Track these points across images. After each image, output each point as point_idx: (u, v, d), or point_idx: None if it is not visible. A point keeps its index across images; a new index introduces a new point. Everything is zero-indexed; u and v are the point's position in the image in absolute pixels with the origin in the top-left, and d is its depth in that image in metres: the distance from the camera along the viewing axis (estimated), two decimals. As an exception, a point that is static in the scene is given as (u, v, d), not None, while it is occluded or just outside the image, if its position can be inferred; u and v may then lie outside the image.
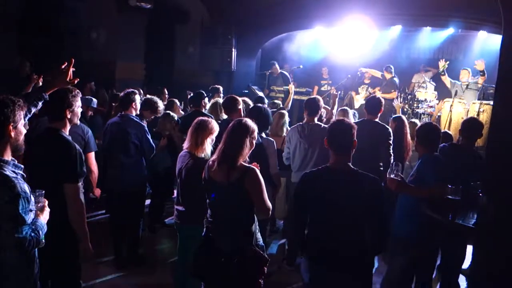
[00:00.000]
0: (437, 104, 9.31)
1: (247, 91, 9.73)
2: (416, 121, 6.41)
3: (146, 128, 4.57)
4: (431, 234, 3.53)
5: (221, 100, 5.49)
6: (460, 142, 4.21)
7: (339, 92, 9.49)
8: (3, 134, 2.17)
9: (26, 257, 2.25)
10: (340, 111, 5.99)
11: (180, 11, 10.54)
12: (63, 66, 2.84)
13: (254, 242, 2.89)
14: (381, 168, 4.61)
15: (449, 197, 3.40)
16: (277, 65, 10.15)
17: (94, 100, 5.91)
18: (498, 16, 3.42)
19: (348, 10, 8.80)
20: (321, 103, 4.90)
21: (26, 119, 2.46)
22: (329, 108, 6.42)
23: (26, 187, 2.20)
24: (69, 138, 3.03)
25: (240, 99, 4.80)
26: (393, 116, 5.85)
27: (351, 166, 2.67)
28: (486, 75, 8.18)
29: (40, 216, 2.32)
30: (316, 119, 4.78)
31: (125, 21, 9.70)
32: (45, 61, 7.80)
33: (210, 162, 2.94)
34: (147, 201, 5.35)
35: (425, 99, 9.32)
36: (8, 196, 2.10)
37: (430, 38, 10.85)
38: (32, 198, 2.27)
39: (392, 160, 4.49)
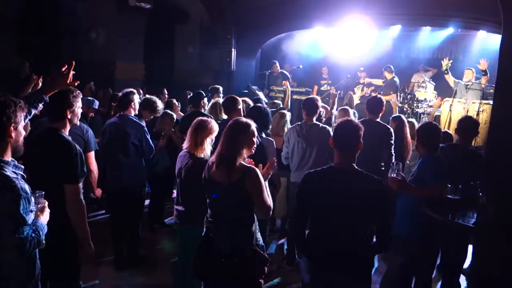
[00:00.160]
0: (435, 101, 9.29)
1: (246, 91, 9.73)
2: (414, 120, 6.42)
3: (146, 128, 4.57)
4: (431, 234, 3.53)
5: (221, 100, 5.49)
6: (457, 142, 4.21)
7: (339, 91, 9.51)
8: (4, 134, 2.18)
9: (26, 258, 2.25)
10: (341, 110, 5.98)
11: (179, 11, 10.54)
12: (63, 69, 2.84)
13: (254, 242, 2.88)
14: (383, 168, 4.61)
15: (449, 196, 3.41)
16: (277, 64, 10.15)
17: (96, 101, 5.90)
18: (497, 16, 3.42)
19: (347, 10, 8.80)
20: (319, 103, 4.90)
21: (26, 120, 2.46)
22: (328, 108, 6.42)
23: (27, 188, 2.20)
24: (69, 138, 3.03)
25: (240, 99, 4.80)
26: (393, 116, 5.85)
27: (356, 166, 2.67)
28: (488, 75, 8.16)
29: (40, 217, 2.32)
30: (314, 118, 4.79)
31: (125, 21, 9.69)
32: (45, 61, 7.83)
33: (210, 162, 2.94)
34: (147, 201, 5.35)
35: (425, 99, 9.32)
36: (9, 197, 2.10)
37: (429, 37, 10.86)
38: (32, 199, 2.27)
39: (393, 160, 4.50)
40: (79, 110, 3.13)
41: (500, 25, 3.23)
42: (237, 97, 4.76)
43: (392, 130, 4.83)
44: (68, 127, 3.07)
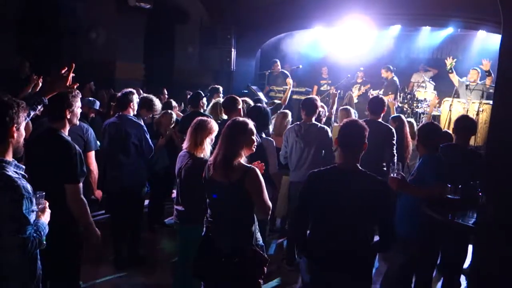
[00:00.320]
0: (432, 100, 9.27)
1: (246, 91, 9.73)
2: (412, 120, 6.42)
3: (145, 128, 4.57)
4: (431, 234, 3.53)
5: (222, 100, 5.49)
6: (455, 141, 4.21)
7: (339, 91, 9.51)
8: (6, 135, 2.19)
9: (28, 258, 2.25)
10: (343, 110, 5.96)
11: (179, 11, 10.54)
12: (63, 71, 2.84)
13: (254, 242, 2.88)
14: (384, 169, 4.61)
15: (449, 196, 3.40)
16: (278, 63, 10.14)
17: (97, 102, 5.90)
18: (497, 16, 3.42)
19: (347, 10, 8.80)
20: (319, 102, 4.90)
21: (25, 121, 2.47)
22: (325, 107, 6.41)
23: (29, 187, 2.20)
24: (69, 138, 3.03)
25: (240, 99, 4.80)
26: (393, 116, 5.85)
27: (359, 167, 2.67)
28: (493, 75, 8.11)
29: (41, 217, 2.32)
30: (313, 118, 4.79)
31: (125, 21, 9.69)
32: (45, 61, 7.83)
33: (210, 163, 2.94)
34: (146, 201, 5.35)
35: (425, 99, 9.32)
36: (12, 197, 2.10)
37: (429, 37, 10.86)
38: (33, 199, 2.28)
39: (395, 160, 4.51)
40: (78, 110, 3.14)
41: (500, 25, 3.23)
42: (237, 97, 4.76)
43: (394, 130, 4.83)
44: (67, 127, 3.07)
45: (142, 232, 4.90)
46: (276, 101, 7.26)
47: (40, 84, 4.92)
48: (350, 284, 2.61)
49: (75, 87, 2.93)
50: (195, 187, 3.15)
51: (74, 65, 2.85)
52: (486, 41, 9.66)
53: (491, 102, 7.33)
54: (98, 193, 4.44)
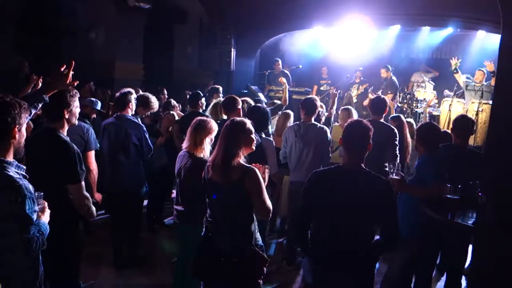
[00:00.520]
0: (430, 99, 9.27)
1: (246, 91, 9.73)
2: (411, 120, 6.42)
3: (145, 128, 4.57)
4: (431, 234, 3.53)
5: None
6: (454, 141, 4.21)
7: (339, 91, 9.50)
8: (8, 135, 2.18)
9: (31, 258, 2.25)
10: (344, 110, 5.96)
11: (179, 11, 10.54)
12: (62, 69, 2.84)
13: (254, 242, 2.88)
14: (386, 169, 4.61)
15: (448, 196, 3.40)
16: (280, 62, 10.14)
17: (99, 102, 5.88)
18: (497, 16, 3.41)
19: (347, 10, 8.81)
20: (318, 102, 4.90)
21: (26, 120, 2.47)
22: (324, 106, 6.40)
23: (31, 187, 2.21)
24: (67, 138, 3.03)
25: (240, 99, 4.80)
26: (392, 116, 5.85)
27: (364, 167, 2.67)
28: None
29: (41, 217, 2.32)
30: (313, 118, 4.79)
31: (124, 21, 9.70)
32: (44, 61, 7.83)
33: (210, 163, 2.94)
34: (145, 201, 5.34)
35: (424, 99, 9.32)
36: (15, 197, 2.10)
37: (429, 37, 10.87)
38: (35, 199, 2.28)
39: (398, 161, 4.50)
40: (77, 110, 3.13)
41: (500, 25, 3.23)
42: (237, 97, 4.76)
43: (396, 130, 4.83)
44: (66, 127, 3.07)
45: (142, 232, 4.90)
46: (276, 101, 7.25)
47: (40, 84, 4.92)
48: (353, 284, 2.61)
49: (75, 84, 2.93)
50: (195, 187, 3.14)
51: (73, 62, 2.85)
52: (486, 41, 9.67)
53: (490, 101, 7.33)
54: (98, 196, 4.42)
